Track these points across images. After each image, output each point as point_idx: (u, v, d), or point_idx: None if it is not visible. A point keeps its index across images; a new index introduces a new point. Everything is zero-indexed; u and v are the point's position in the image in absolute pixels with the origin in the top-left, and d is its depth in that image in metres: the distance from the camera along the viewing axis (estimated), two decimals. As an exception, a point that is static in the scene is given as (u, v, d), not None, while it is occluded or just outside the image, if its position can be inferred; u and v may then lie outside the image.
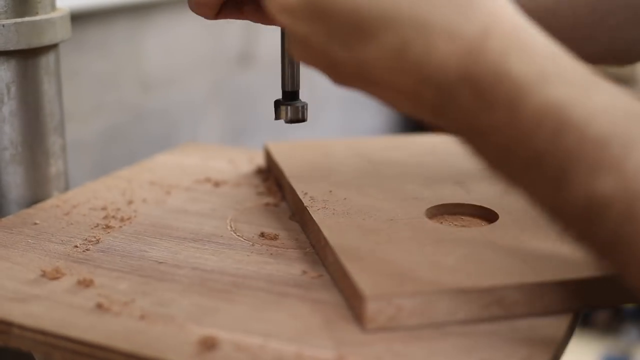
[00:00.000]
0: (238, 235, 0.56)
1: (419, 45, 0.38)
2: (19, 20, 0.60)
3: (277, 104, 0.58)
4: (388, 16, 0.38)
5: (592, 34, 0.59)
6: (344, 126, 1.97)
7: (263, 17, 0.55)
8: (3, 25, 0.59)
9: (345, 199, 0.57)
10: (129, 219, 0.59)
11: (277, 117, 0.58)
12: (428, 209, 0.55)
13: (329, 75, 0.42)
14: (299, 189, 0.60)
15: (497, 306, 0.44)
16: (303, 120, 0.59)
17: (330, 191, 0.59)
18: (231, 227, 0.58)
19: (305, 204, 0.56)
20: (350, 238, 0.50)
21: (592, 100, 0.36)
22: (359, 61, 0.40)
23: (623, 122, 0.36)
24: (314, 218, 0.54)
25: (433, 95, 0.39)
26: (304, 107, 0.58)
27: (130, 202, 0.63)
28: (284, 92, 0.58)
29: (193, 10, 0.53)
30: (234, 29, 1.42)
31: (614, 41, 0.60)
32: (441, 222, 0.55)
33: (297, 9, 0.40)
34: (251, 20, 0.55)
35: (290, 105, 0.58)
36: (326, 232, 0.51)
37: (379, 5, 0.38)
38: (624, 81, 1.88)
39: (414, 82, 0.39)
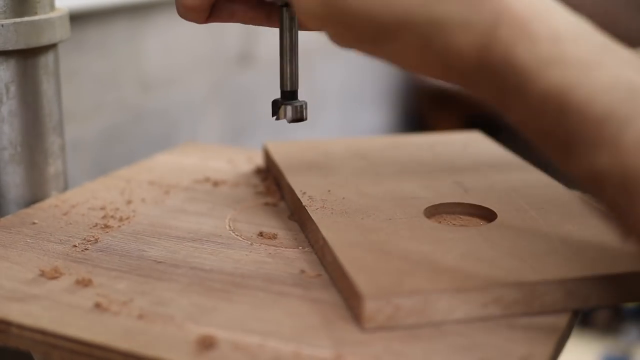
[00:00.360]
0: (237, 235, 0.56)
1: (439, 41, 0.41)
2: (18, 20, 0.60)
3: (276, 103, 0.58)
4: (402, 19, 0.40)
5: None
6: (343, 126, 1.97)
7: (254, 18, 0.55)
8: (2, 25, 0.59)
9: (344, 198, 0.57)
10: (127, 218, 0.59)
11: (277, 117, 0.58)
12: (426, 208, 0.55)
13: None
14: (298, 188, 0.60)
15: (496, 305, 0.44)
16: (303, 119, 0.59)
17: (329, 191, 0.59)
18: (230, 226, 0.58)
19: (303, 204, 0.56)
20: (349, 237, 0.50)
21: (593, 81, 0.38)
22: (389, 55, 0.43)
23: (622, 99, 0.37)
24: (313, 217, 0.54)
25: (457, 78, 0.42)
26: (303, 106, 0.58)
27: (129, 202, 0.63)
28: (282, 92, 0.58)
29: (183, 17, 0.55)
30: (233, 29, 1.42)
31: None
32: (440, 222, 0.55)
33: (323, 17, 0.43)
34: (242, 22, 0.56)
35: (289, 104, 0.58)
36: (325, 232, 0.51)
37: (392, 12, 0.41)
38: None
39: (440, 70, 0.42)
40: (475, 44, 0.40)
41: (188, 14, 0.54)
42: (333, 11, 0.42)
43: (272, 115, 0.58)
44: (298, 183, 0.61)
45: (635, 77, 0.38)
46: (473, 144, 0.72)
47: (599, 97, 0.38)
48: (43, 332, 0.43)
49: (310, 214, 0.54)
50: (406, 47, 0.42)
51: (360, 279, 0.44)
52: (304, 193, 0.58)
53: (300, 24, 0.47)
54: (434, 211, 0.56)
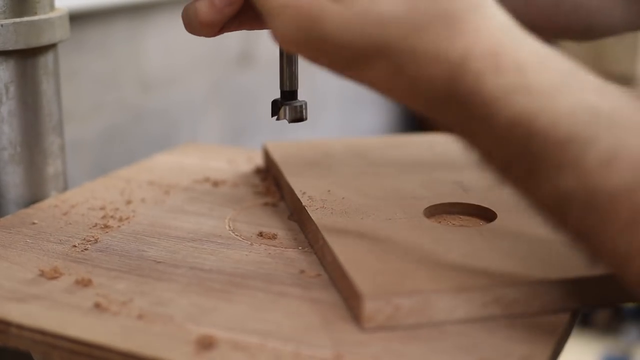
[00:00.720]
0: (236, 235, 0.56)
1: (411, 69, 0.42)
2: (17, 20, 0.60)
3: (276, 103, 0.58)
4: (379, 47, 0.42)
5: (548, 16, 0.65)
6: (343, 126, 1.97)
7: (261, 24, 0.55)
8: (2, 25, 0.59)
9: (343, 198, 0.57)
10: (127, 218, 0.59)
11: (277, 117, 0.58)
12: (426, 209, 0.55)
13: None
14: (298, 188, 0.60)
15: (496, 305, 0.44)
16: (303, 119, 0.59)
17: (329, 191, 0.59)
18: (230, 226, 0.58)
19: (303, 204, 0.56)
20: (348, 237, 0.50)
21: (557, 106, 0.39)
22: (360, 79, 0.44)
23: (585, 122, 0.39)
24: (313, 217, 0.54)
25: (424, 105, 0.43)
26: (303, 106, 0.58)
27: (128, 202, 0.63)
28: (282, 92, 0.58)
29: (194, 33, 0.52)
30: (233, 29, 1.42)
31: (571, 22, 0.65)
32: (440, 222, 0.55)
33: (299, 42, 0.43)
34: (250, 29, 0.55)
35: (289, 104, 0.58)
36: (324, 232, 0.51)
37: (370, 38, 0.42)
38: (624, 80, 1.88)
39: (408, 95, 0.43)
40: (445, 75, 0.41)
41: (203, 29, 0.51)
42: (309, 37, 0.43)
43: (272, 116, 0.58)
44: (298, 183, 0.61)
45: (598, 101, 0.39)
46: None
47: (562, 121, 0.39)
48: (42, 332, 0.43)
49: (310, 214, 0.54)
50: (379, 73, 0.43)
51: (360, 279, 0.44)
52: (304, 193, 0.58)
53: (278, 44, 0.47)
54: (434, 211, 0.56)
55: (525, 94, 0.40)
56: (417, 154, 0.69)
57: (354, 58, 0.43)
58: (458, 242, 0.49)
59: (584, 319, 1.87)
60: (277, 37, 0.45)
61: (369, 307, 0.42)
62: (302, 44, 0.44)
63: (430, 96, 0.42)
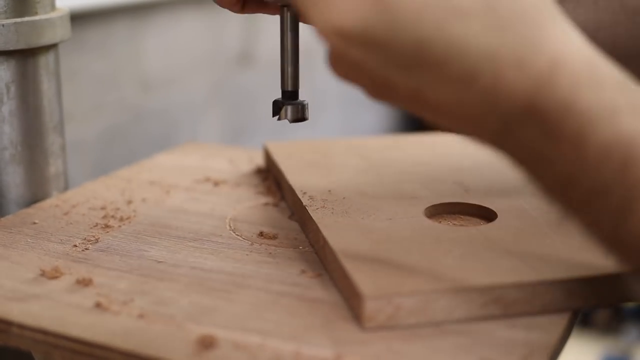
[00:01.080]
0: (237, 235, 0.56)
1: (488, 77, 0.36)
2: (18, 20, 0.60)
3: (277, 103, 0.58)
4: (455, 47, 0.36)
5: (630, 57, 0.57)
6: (343, 126, 1.97)
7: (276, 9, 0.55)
8: (2, 25, 0.59)
9: (344, 198, 0.58)
10: (128, 218, 0.59)
11: (278, 117, 0.58)
12: (427, 208, 0.55)
13: (372, 94, 0.40)
14: (298, 188, 0.60)
15: (496, 305, 0.44)
16: (304, 119, 0.59)
17: (330, 191, 0.59)
18: (230, 226, 0.58)
19: (304, 203, 0.56)
20: (349, 237, 0.50)
21: None
22: (417, 87, 0.37)
23: None
24: (313, 217, 0.54)
25: (496, 124, 0.37)
26: (305, 105, 0.58)
27: (129, 202, 0.63)
28: (283, 92, 0.58)
29: (218, 3, 0.53)
30: (233, 29, 1.42)
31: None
32: (440, 222, 0.55)
33: (352, 34, 0.36)
34: (272, 13, 0.55)
35: (290, 104, 0.58)
36: (325, 232, 0.51)
37: (446, 37, 0.35)
38: None
39: (479, 111, 0.37)
40: (527, 85, 0.36)
41: (225, 3, 0.53)
42: (376, 26, 0.35)
43: (273, 116, 0.58)
44: (298, 183, 0.61)
45: None
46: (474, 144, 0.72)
47: None
48: (44, 332, 0.43)
49: (311, 214, 0.54)
50: (446, 79, 0.36)
51: (361, 279, 0.44)
52: (305, 193, 0.58)
53: (324, 40, 0.39)
54: (434, 211, 0.56)
55: (629, 113, 0.35)
56: (418, 154, 0.69)
57: (419, 58, 0.36)
58: (458, 241, 0.49)
59: (584, 319, 1.87)
60: (321, 23, 0.37)
61: (370, 307, 0.42)
62: (354, 36, 0.36)
63: (505, 113, 0.36)
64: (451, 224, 0.55)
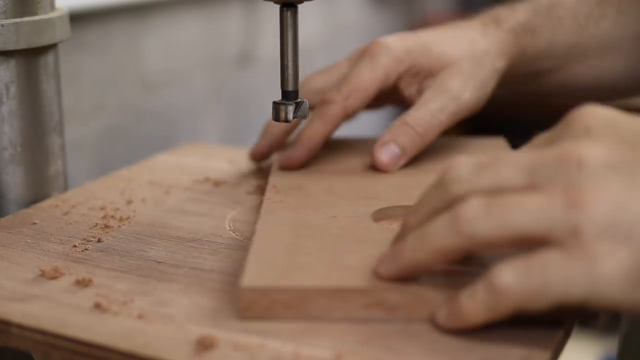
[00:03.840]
0: (237, 235, 0.56)
1: None
2: (18, 20, 0.60)
3: (277, 103, 0.58)
4: None
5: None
6: (343, 126, 1.97)
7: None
8: (2, 25, 0.59)
9: (308, 195, 0.58)
10: (127, 218, 0.59)
11: (277, 118, 0.58)
12: (379, 210, 0.55)
13: None
14: (272, 182, 0.61)
15: (379, 308, 0.43)
16: (304, 118, 0.59)
17: (301, 186, 0.59)
18: (230, 226, 0.58)
19: (265, 196, 0.57)
20: (279, 230, 0.51)
21: None
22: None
23: None
24: (261, 208, 0.55)
25: None
26: (305, 105, 0.58)
27: (129, 202, 0.63)
28: (284, 91, 0.58)
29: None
30: (234, 29, 1.42)
31: None
32: (391, 224, 0.54)
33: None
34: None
35: (291, 104, 0.58)
36: (260, 222, 0.52)
37: None
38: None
39: None
40: None
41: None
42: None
43: (274, 117, 0.58)
44: (276, 177, 0.62)
45: None
46: (481, 149, 0.70)
47: None
48: (43, 332, 0.43)
49: (263, 205, 0.55)
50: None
51: (252, 269, 0.44)
52: (274, 187, 0.59)
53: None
54: (389, 213, 0.55)
55: None
56: (418, 154, 0.69)
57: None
58: (382, 243, 0.47)
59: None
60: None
61: (246, 297, 0.43)
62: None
63: None
64: (392, 226, 0.54)
